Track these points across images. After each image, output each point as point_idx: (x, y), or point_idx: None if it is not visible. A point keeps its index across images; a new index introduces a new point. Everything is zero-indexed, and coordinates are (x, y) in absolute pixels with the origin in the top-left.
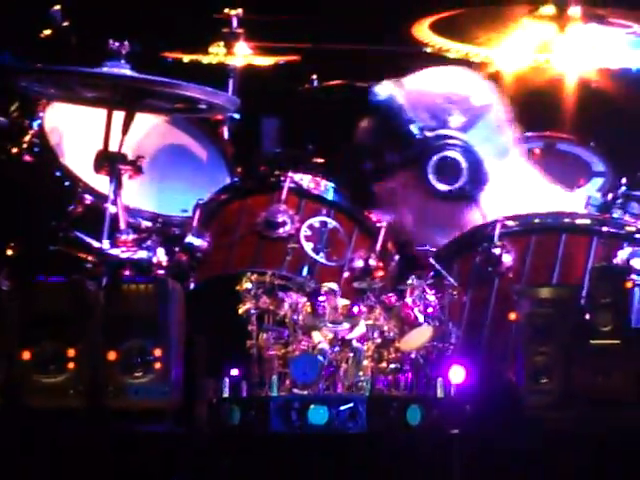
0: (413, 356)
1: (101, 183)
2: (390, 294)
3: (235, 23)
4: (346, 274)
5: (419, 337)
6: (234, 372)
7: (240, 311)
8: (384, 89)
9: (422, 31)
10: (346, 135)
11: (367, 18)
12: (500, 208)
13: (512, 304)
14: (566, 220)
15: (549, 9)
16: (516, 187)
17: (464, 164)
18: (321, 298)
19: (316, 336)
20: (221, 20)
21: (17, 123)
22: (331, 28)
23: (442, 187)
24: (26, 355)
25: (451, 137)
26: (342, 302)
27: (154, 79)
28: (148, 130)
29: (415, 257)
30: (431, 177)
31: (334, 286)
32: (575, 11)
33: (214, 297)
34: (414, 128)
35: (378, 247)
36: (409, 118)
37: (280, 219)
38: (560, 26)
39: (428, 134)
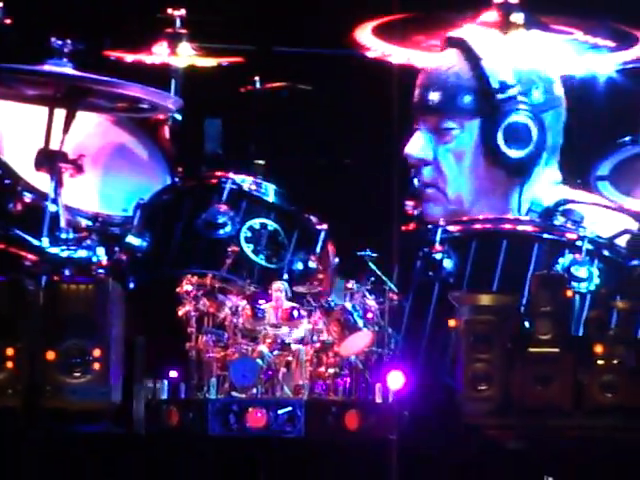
0: (352, 361)
1: (41, 181)
2: (330, 298)
3: (179, 23)
4: (285, 276)
5: (358, 342)
6: (173, 374)
7: (180, 313)
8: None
9: (365, 35)
10: (289, 137)
11: (310, 21)
12: None
13: (452, 310)
14: (507, 226)
15: (491, 15)
16: None
17: (534, 131)
18: (261, 302)
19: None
20: (165, 20)
21: None
22: (275, 30)
23: (511, 152)
24: None
25: (524, 102)
26: (288, 303)
27: (96, 78)
28: (90, 129)
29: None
30: (501, 143)
31: (284, 285)
32: (518, 17)
33: (154, 298)
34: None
35: (318, 250)
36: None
37: (220, 220)
38: (503, 32)
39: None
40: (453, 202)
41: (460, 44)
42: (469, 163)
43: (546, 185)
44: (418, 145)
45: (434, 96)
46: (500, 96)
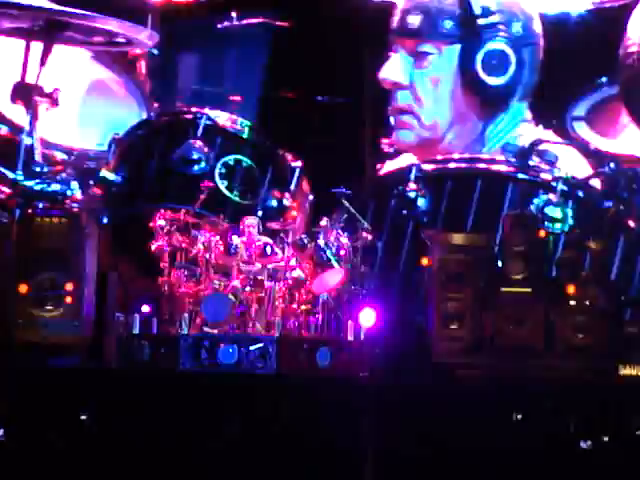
0: (324, 298)
1: (17, 114)
2: (303, 235)
3: None
4: (260, 213)
5: (331, 279)
6: (145, 309)
7: (152, 248)
8: None
9: None
10: (265, 73)
11: None
12: None
13: (425, 249)
14: (482, 166)
15: None
16: None
17: (513, 60)
18: (234, 237)
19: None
20: None
21: None
22: None
23: (488, 79)
24: None
25: (505, 31)
26: (262, 239)
27: (73, 11)
28: (66, 63)
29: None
30: (479, 69)
31: (255, 221)
32: None
33: (127, 233)
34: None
35: (292, 187)
36: None
37: (195, 156)
38: None
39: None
40: (427, 128)
41: None
42: (446, 89)
43: (518, 122)
44: (394, 68)
45: (414, 20)
46: (481, 21)
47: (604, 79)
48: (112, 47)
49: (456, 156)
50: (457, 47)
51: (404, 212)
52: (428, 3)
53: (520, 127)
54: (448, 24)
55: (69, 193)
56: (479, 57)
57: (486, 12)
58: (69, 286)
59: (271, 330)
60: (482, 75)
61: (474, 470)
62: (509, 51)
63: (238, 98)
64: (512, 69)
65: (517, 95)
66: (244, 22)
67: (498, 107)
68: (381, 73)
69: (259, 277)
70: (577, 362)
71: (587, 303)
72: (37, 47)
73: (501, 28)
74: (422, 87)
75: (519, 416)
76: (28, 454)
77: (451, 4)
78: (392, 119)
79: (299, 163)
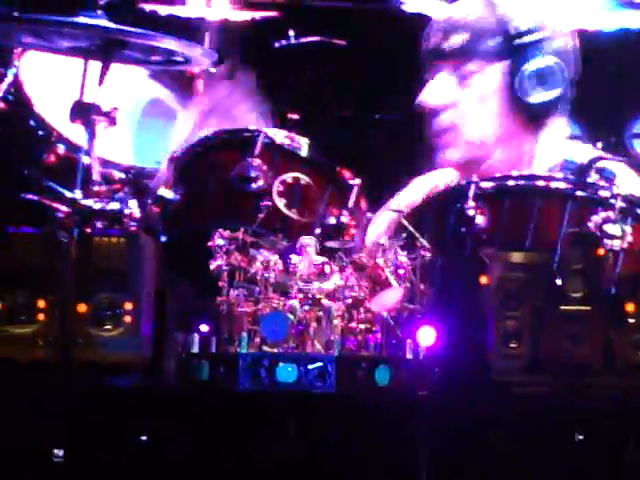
0: (383, 317)
1: (75, 133)
2: (361, 253)
3: None
4: (318, 231)
5: (390, 298)
6: (204, 328)
7: (211, 267)
8: None
9: None
10: (320, 90)
11: None
12: None
13: (484, 267)
14: (540, 183)
15: None
16: None
17: (559, 75)
18: (292, 256)
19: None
20: None
21: None
22: None
23: (535, 96)
24: None
25: (548, 47)
26: (318, 259)
27: (130, 30)
28: (124, 82)
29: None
30: (527, 86)
31: (312, 241)
32: None
33: (185, 252)
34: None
35: (350, 204)
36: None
37: (253, 174)
38: None
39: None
40: (474, 147)
41: None
42: (492, 107)
43: (562, 139)
44: (437, 90)
45: (456, 39)
46: (527, 38)
47: None
48: (170, 66)
49: (515, 173)
50: (501, 65)
51: (463, 230)
52: (469, 22)
53: (571, 144)
54: (490, 42)
55: (127, 212)
56: (526, 74)
57: (528, 30)
58: (128, 305)
59: (330, 349)
60: (528, 92)
61: None
62: (555, 67)
63: (296, 116)
64: (560, 84)
65: (558, 111)
66: (301, 40)
67: (542, 124)
68: (421, 96)
69: (317, 296)
70: (637, 380)
71: None
72: (95, 66)
73: (547, 44)
74: (468, 104)
75: (580, 436)
76: (86, 476)
77: (491, 22)
78: (434, 142)
79: (357, 181)
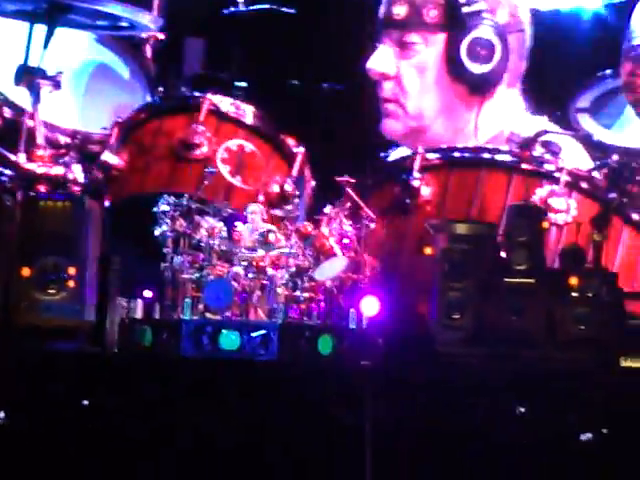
0: (327, 286)
1: (20, 97)
2: (306, 222)
3: None
4: (261, 198)
5: (334, 267)
6: (147, 294)
7: (156, 233)
8: None
9: None
10: (268, 59)
11: None
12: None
13: (429, 238)
14: (486, 155)
15: None
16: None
17: (498, 47)
18: (237, 224)
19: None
20: None
21: None
22: None
23: (474, 67)
24: None
25: (489, 19)
26: (265, 226)
27: None
28: (70, 46)
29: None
30: (464, 57)
31: (260, 207)
32: None
33: (129, 217)
34: None
35: (294, 172)
36: None
37: (197, 140)
38: None
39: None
40: (414, 118)
41: None
42: (432, 78)
43: (510, 111)
44: (380, 59)
45: (399, 10)
46: (466, 9)
47: (608, 71)
48: (116, 31)
49: (460, 145)
50: (443, 36)
51: (407, 201)
52: None
53: (519, 116)
54: (433, 13)
55: (71, 176)
56: (464, 45)
57: (470, 0)
58: (72, 270)
59: (274, 317)
60: (467, 63)
61: (474, 461)
62: (494, 39)
63: (243, 84)
64: (497, 56)
65: (504, 82)
66: (250, 8)
67: (484, 95)
68: (368, 64)
69: (262, 264)
70: (578, 354)
71: (589, 295)
72: (40, 30)
73: (486, 16)
74: (408, 77)
75: (522, 409)
76: (29, 437)
77: None
78: (380, 111)
79: (301, 149)
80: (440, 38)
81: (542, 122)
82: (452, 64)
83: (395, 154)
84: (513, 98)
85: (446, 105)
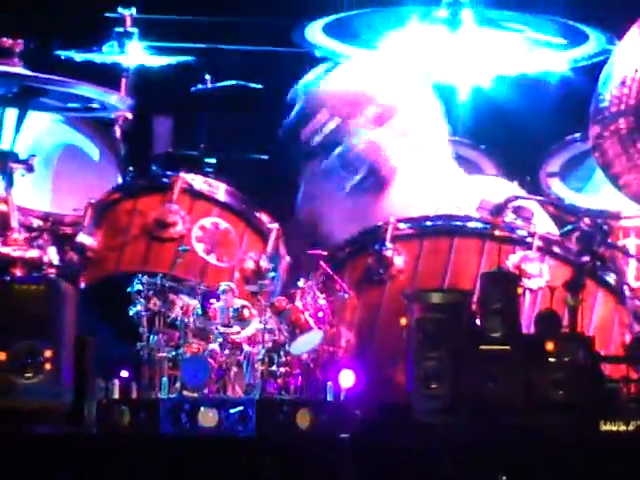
0: (303, 360)
1: None
2: (281, 297)
3: (129, 22)
4: (237, 275)
5: (309, 341)
6: (124, 374)
7: (130, 313)
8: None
9: (314, 33)
10: (237, 136)
11: (260, 19)
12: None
13: (403, 308)
14: (458, 223)
15: (442, 12)
16: (432, 182)
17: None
18: (212, 301)
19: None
20: (115, 19)
21: None
22: (225, 29)
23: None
24: None
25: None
26: (239, 302)
27: (47, 77)
28: (41, 129)
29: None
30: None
31: (232, 285)
32: (468, 14)
33: (104, 298)
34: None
35: (269, 249)
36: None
37: (171, 219)
38: (453, 30)
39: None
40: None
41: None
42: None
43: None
44: None
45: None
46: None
47: (577, 135)
48: (87, 113)
49: (431, 214)
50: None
51: (381, 271)
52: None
53: (488, 183)
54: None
55: (46, 259)
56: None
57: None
58: (48, 353)
59: (251, 393)
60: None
61: None
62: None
63: (213, 160)
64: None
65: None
66: (217, 85)
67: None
68: None
69: (237, 340)
70: (556, 418)
71: (566, 359)
72: (12, 113)
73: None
74: None
75: (504, 477)
76: None
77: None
78: None
79: (276, 225)
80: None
81: (513, 188)
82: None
83: None
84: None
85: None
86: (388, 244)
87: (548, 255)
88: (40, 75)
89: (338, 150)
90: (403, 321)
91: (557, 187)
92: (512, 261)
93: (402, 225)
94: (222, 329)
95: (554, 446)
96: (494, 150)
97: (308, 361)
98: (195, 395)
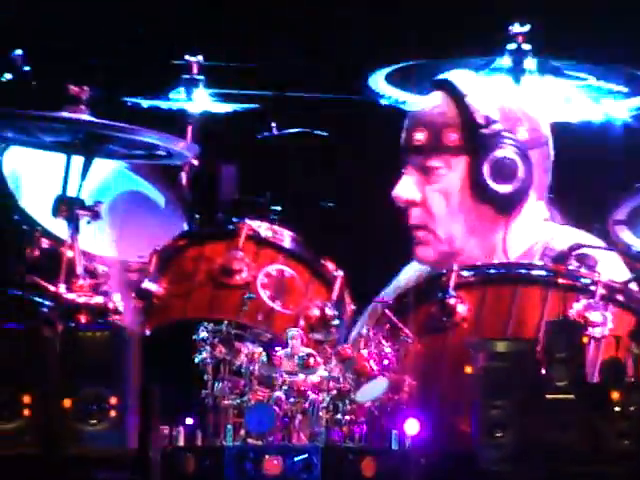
0: (368, 408)
1: (59, 228)
2: (346, 345)
3: (195, 69)
4: (301, 322)
5: (374, 389)
6: (189, 421)
7: (196, 360)
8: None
9: (378, 82)
10: (303, 183)
11: (326, 67)
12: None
13: (466, 356)
14: (521, 271)
15: (505, 61)
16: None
17: (521, 166)
18: (277, 348)
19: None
20: (181, 66)
21: None
22: (291, 76)
23: (498, 187)
24: None
25: (509, 138)
26: (305, 350)
27: (113, 124)
28: (107, 175)
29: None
30: (487, 178)
31: (300, 332)
32: (531, 63)
33: (169, 345)
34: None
35: (334, 296)
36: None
37: (237, 266)
38: (516, 79)
39: (485, 131)
40: (444, 242)
41: (444, 84)
42: (457, 201)
43: (538, 223)
44: (405, 186)
45: (419, 135)
46: (484, 131)
47: None
48: (152, 160)
49: (495, 261)
50: (464, 159)
51: (444, 319)
52: (430, 117)
53: (552, 230)
54: (452, 137)
55: (111, 305)
56: (486, 167)
57: (488, 122)
58: (113, 400)
59: (315, 440)
60: (491, 184)
61: None
62: (516, 158)
63: (279, 208)
64: (521, 175)
65: (530, 198)
66: (284, 131)
67: (510, 214)
68: (394, 192)
69: (302, 388)
70: (623, 468)
71: (632, 408)
72: (78, 160)
73: (506, 135)
74: (434, 202)
75: None
76: None
77: (453, 116)
78: (411, 236)
79: (341, 272)
80: (462, 161)
81: (577, 234)
82: (476, 187)
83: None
84: (540, 211)
85: (473, 227)
86: (451, 292)
87: (611, 303)
88: (106, 122)
89: (493, 156)
90: (468, 369)
91: (625, 235)
92: (576, 309)
93: (465, 273)
94: (287, 377)
95: None
96: (561, 199)
97: (373, 409)
98: (260, 443)
